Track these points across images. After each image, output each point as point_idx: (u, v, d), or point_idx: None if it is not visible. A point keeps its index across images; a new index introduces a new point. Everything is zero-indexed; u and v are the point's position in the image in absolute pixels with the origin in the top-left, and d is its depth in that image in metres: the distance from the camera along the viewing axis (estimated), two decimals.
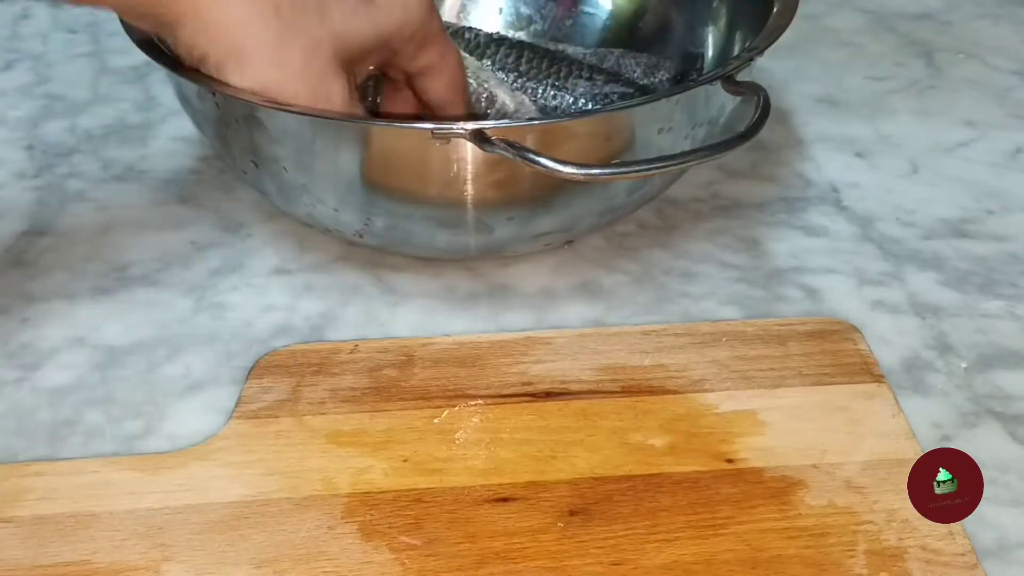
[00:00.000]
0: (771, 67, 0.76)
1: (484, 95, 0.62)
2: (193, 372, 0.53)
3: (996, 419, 0.50)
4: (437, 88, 0.58)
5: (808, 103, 0.75)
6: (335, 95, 0.52)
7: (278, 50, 0.50)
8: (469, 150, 0.51)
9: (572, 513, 0.44)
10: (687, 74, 0.67)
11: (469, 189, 0.53)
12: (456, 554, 0.42)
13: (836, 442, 0.47)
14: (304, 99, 0.51)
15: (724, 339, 0.52)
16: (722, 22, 0.67)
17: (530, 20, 0.73)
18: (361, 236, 0.57)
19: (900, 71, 0.79)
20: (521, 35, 0.73)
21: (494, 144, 0.50)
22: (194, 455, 0.47)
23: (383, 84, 0.59)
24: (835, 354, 0.51)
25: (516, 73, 0.65)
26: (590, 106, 0.65)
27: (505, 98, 0.61)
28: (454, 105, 0.59)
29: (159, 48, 0.57)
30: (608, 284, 0.59)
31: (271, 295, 0.58)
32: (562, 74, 0.65)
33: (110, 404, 0.51)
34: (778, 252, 0.61)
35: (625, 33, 0.71)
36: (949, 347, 0.55)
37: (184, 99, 0.58)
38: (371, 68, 0.56)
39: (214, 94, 0.54)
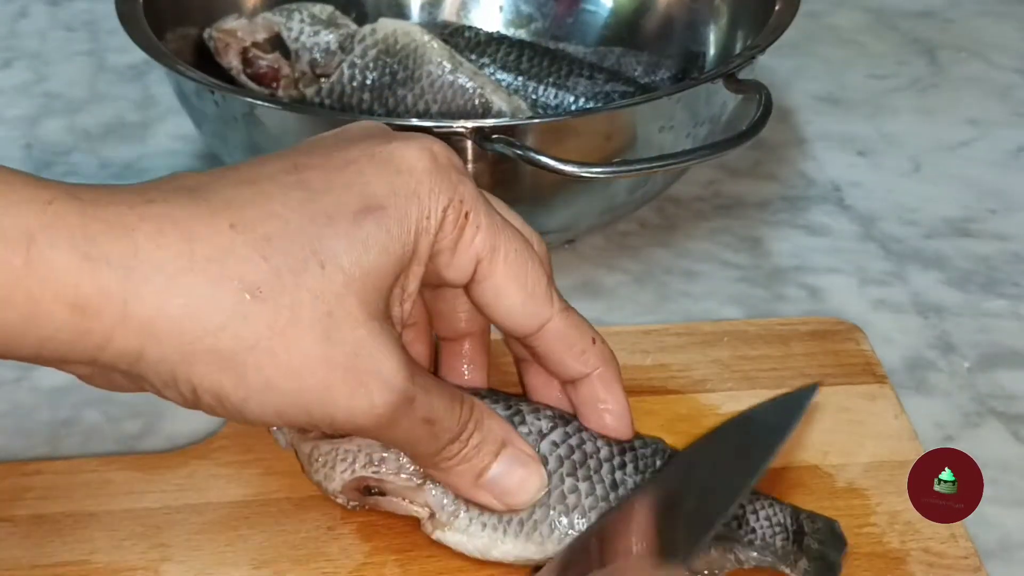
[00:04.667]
0: (773, 65, 0.76)
1: (478, 100, 0.59)
2: None
3: (999, 419, 0.50)
4: (503, 291, 0.40)
5: (810, 101, 0.75)
6: (385, 364, 0.36)
7: (281, 342, 0.35)
8: (470, 149, 0.51)
9: None
10: (688, 72, 0.67)
11: None
12: (456, 554, 0.42)
13: (838, 443, 0.47)
14: (343, 392, 0.36)
15: (726, 339, 0.52)
16: (723, 20, 0.67)
17: (531, 18, 0.73)
18: None
19: (902, 69, 0.79)
20: (521, 33, 0.72)
21: (494, 143, 0.50)
22: (193, 455, 0.46)
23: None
24: (837, 354, 0.51)
25: (516, 72, 0.65)
26: (591, 105, 0.64)
27: (501, 104, 0.59)
28: (531, 315, 0.41)
29: (159, 47, 0.56)
30: (609, 283, 0.59)
31: None
32: (563, 73, 0.65)
33: (109, 403, 0.50)
34: (780, 251, 0.61)
35: (626, 31, 0.71)
36: (952, 347, 0.54)
37: (183, 97, 0.58)
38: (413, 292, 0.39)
39: (213, 92, 0.54)
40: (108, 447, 0.48)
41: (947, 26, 0.84)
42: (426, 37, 0.60)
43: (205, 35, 0.62)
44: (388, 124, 0.55)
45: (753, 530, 0.41)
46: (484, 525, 0.41)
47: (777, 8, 0.60)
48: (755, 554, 0.40)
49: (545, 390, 0.44)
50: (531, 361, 0.44)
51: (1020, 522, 0.45)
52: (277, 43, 0.62)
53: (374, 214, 0.36)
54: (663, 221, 0.63)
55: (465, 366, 0.45)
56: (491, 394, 0.43)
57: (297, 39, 0.61)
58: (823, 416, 0.48)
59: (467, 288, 0.40)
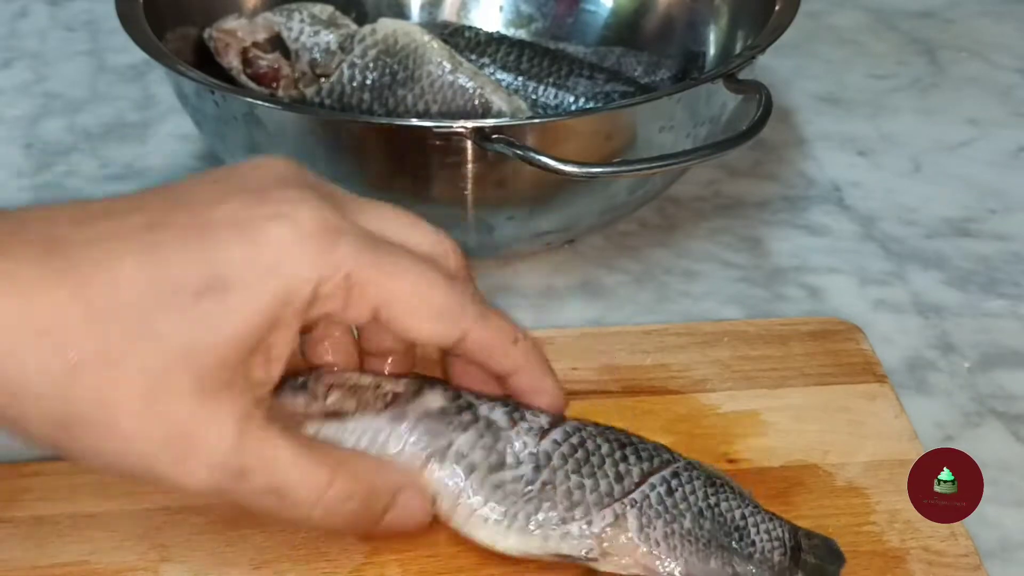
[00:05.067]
0: (773, 65, 0.76)
1: (478, 100, 0.59)
2: None
3: (999, 419, 0.50)
4: (410, 325, 0.39)
5: (810, 101, 0.75)
6: (210, 437, 0.36)
7: (104, 414, 0.36)
8: (470, 149, 0.51)
9: None
10: (688, 72, 0.67)
11: (469, 188, 0.52)
12: (456, 554, 0.42)
13: (838, 443, 0.47)
14: (164, 463, 0.36)
15: (726, 339, 0.52)
16: (724, 20, 0.67)
17: (531, 18, 0.73)
18: None
19: (902, 69, 0.79)
20: (522, 33, 0.72)
21: (494, 143, 0.50)
22: None
23: None
24: (837, 354, 0.51)
25: (517, 72, 0.65)
26: (591, 104, 0.64)
27: (501, 104, 0.59)
28: (445, 335, 0.40)
29: (159, 47, 0.56)
30: (609, 283, 0.59)
31: None
32: (563, 73, 0.65)
33: None
34: (780, 251, 0.61)
35: (626, 31, 0.71)
36: (952, 347, 0.54)
37: (183, 97, 0.58)
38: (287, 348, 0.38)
39: (213, 92, 0.54)
40: None
41: (947, 26, 0.84)
42: (426, 37, 0.60)
43: (205, 35, 0.62)
44: (389, 124, 0.56)
45: (753, 543, 0.41)
46: (486, 520, 0.41)
47: (777, 8, 0.60)
48: (753, 568, 0.40)
49: (472, 381, 0.44)
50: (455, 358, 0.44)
51: (1019, 522, 0.45)
52: (277, 43, 0.62)
53: (217, 293, 0.36)
54: (663, 221, 0.63)
55: None
56: (489, 398, 0.43)
57: (297, 39, 0.61)
58: (823, 415, 0.48)
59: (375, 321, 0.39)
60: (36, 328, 0.35)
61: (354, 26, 0.62)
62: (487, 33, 0.67)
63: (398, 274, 0.38)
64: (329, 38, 0.61)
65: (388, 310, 0.39)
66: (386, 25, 0.61)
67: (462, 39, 0.66)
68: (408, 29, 0.61)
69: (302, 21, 0.61)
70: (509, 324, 0.42)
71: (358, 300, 0.38)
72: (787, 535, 0.41)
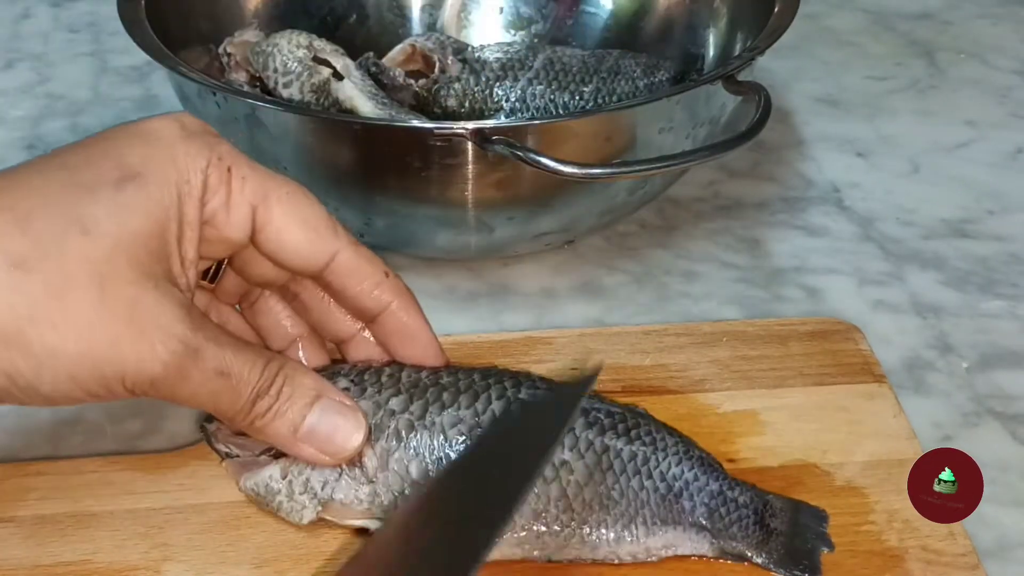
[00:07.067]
0: (772, 67, 0.76)
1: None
2: None
3: (997, 419, 0.50)
4: (285, 231, 0.42)
5: (809, 103, 0.75)
6: (163, 315, 0.38)
7: (57, 308, 0.36)
8: (470, 150, 0.51)
9: None
10: (687, 74, 0.67)
11: (470, 189, 0.53)
12: None
13: (837, 442, 0.47)
14: (126, 344, 0.37)
15: (725, 339, 0.52)
16: (723, 22, 0.67)
17: (531, 20, 0.73)
18: (362, 236, 0.56)
19: (900, 71, 0.79)
20: (521, 35, 0.73)
21: (495, 144, 0.50)
22: (195, 454, 0.47)
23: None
24: (836, 354, 0.51)
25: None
26: (590, 106, 0.65)
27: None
28: (318, 249, 0.42)
29: (161, 48, 0.57)
30: (609, 284, 0.59)
31: None
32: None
33: (110, 403, 0.51)
34: (779, 252, 0.61)
35: (626, 33, 0.71)
36: (950, 347, 0.55)
37: (185, 98, 0.58)
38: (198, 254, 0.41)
39: (215, 93, 0.54)
40: (109, 447, 0.49)
41: (945, 28, 0.85)
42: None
43: (220, 50, 0.64)
44: (390, 125, 0.56)
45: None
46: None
47: (776, 10, 0.60)
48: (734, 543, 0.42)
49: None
50: (351, 340, 0.46)
51: (1018, 522, 0.45)
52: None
53: (133, 180, 0.38)
54: (663, 222, 0.64)
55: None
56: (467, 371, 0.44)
57: (273, 89, 0.62)
58: (822, 415, 0.48)
59: (253, 242, 0.42)
60: None
61: (327, 72, 0.62)
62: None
63: (274, 177, 0.42)
64: (292, 90, 0.61)
65: (265, 212, 0.41)
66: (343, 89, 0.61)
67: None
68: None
69: (275, 71, 0.62)
70: (380, 260, 0.44)
71: (238, 198, 0.41)
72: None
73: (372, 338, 0.46)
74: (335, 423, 0.41)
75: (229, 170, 0.41)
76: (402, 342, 0.45)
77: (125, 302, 0.37)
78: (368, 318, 0.45)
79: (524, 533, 0.41)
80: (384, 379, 0.44)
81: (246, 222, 0.41)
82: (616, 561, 0.41)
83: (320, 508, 0.42)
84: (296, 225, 0.42)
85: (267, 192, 0.41)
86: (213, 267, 0.45)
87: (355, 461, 0.42)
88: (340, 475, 0.42)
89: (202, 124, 0.41)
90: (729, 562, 0.42)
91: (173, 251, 0.39)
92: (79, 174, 0.38)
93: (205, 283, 0.45)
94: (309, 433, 0.41)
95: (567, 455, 0.41)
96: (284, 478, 0.42)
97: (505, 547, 0.41)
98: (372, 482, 0.42)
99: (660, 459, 0.42)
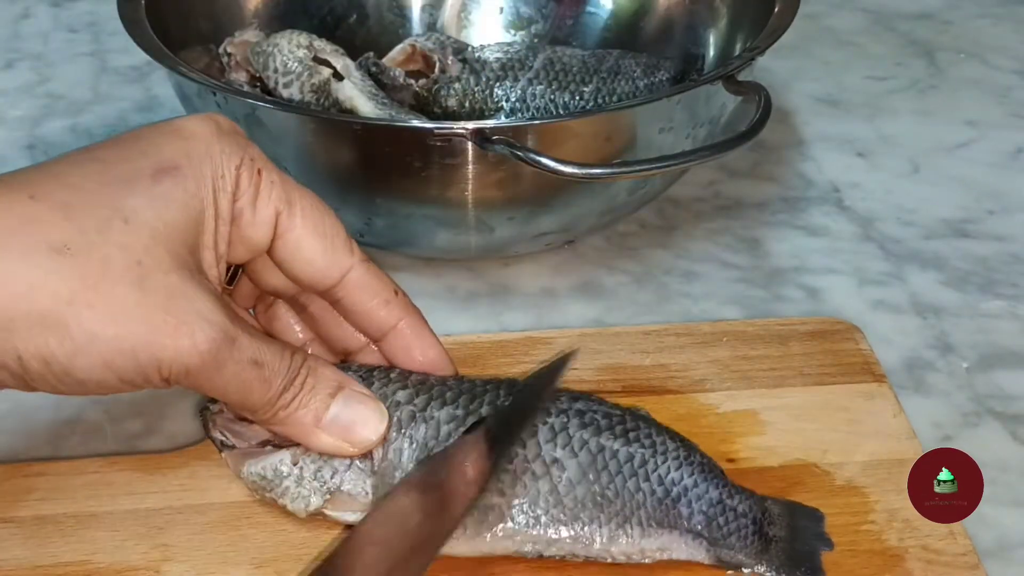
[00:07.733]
0: (772, 67, 0.76)
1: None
2: None
3: (997, 419, 0.50)
4: (304, 242, 0.42)
5: (809, 103, 0.75)
6: (202, 304, 0.38)
7: (97, 293, 0.36)
8: (470, 150, 0.51)
9: None
10: (687, 74, 0.67)
11: (470, 189, 0.53)
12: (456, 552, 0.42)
13: (837, 442, 0.47)
14: (165, 332, 0.37)
15: (725, 339, 0.52)
16: (723, 22, 0.67)
17: (531, 20, 0.73)
18: (362, 236, 0.57)
19: (901, 71, 0.79)
20: (521, 35, 0.73)
21: (495, 144, 0.50)
22: (195, 454, 0.47)
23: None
24: (836, 354, 0.51)
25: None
26: (590, 106, 0.65)
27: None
28: (332, 263, 0.43)
29: (161, 48, 0.57)
30: (609, 284, 0.59)
31: None
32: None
33: (111, 403, 0.51)
34: (779, 252, 0.61)
35: (626, 33, 0.71)
36: (950, 347, 0.55)
37: (185, 98, 0.58)
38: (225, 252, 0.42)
39: (215, 93, 0.54)
40: (110, 447, 0.49)
41: (946, 28, 0.85)
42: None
43: (221, 50, 0.64)
44: (390, 125, 0.56)
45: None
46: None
47: (776, 10, 0.60)
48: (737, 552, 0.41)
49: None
50: (358, 353, 0.46)
51: (1017, 522, 0.45)
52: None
53: (170, 173, 0.39)
54: (663, 222, 0.64)
55: None
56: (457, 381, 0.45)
57: (274, 89, 0.62)
58: (822, 415, 0.48)
59: (270, 250, 0.43)
60: (5, 228, 0.36)
61: (327, 72, 0.62)
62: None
63: (299, 187, 0.43)
64: (291, 91, 0.62)
65: (288, 219, 0.42)
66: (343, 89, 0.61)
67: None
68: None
69: (275, 71, 0.62)
70: (389, 278, 0.45)
71: (265, 200, 0.41)
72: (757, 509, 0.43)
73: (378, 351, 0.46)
74: (358, 413, 0.42)
75: (259, 172, 0.41)
76: (410, 358, 0.45)
77: (164, 290, 0.37)
78: (376, 336, 0.45)
79: (513, 526, 0.41)
80: (393, 375, 0.44)
81: (269, 226, 0.42)
82: (609, 560, 0.41)
83: (328, 497, 0.42)
84: (315, 236, 0.42)
85: (292, 200, 0.42)
86: (231, 270, 0.45)
87: (367, 452, 0.42)
88: (350, 465, 0.42)
89: (233, 125, 0.42)
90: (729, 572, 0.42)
91: (206, 244, 0.40)
92: (115, 168, 0.39)
93: (223, 285, 0.45)
94: (332, 423, 0.42)
95: (559, 453, 0.42)
96: (295, 464, 0.42)
97: (496, 541, 0.41)
98: (376, 473, 0.42)
99: (659, 462, 0.42)
